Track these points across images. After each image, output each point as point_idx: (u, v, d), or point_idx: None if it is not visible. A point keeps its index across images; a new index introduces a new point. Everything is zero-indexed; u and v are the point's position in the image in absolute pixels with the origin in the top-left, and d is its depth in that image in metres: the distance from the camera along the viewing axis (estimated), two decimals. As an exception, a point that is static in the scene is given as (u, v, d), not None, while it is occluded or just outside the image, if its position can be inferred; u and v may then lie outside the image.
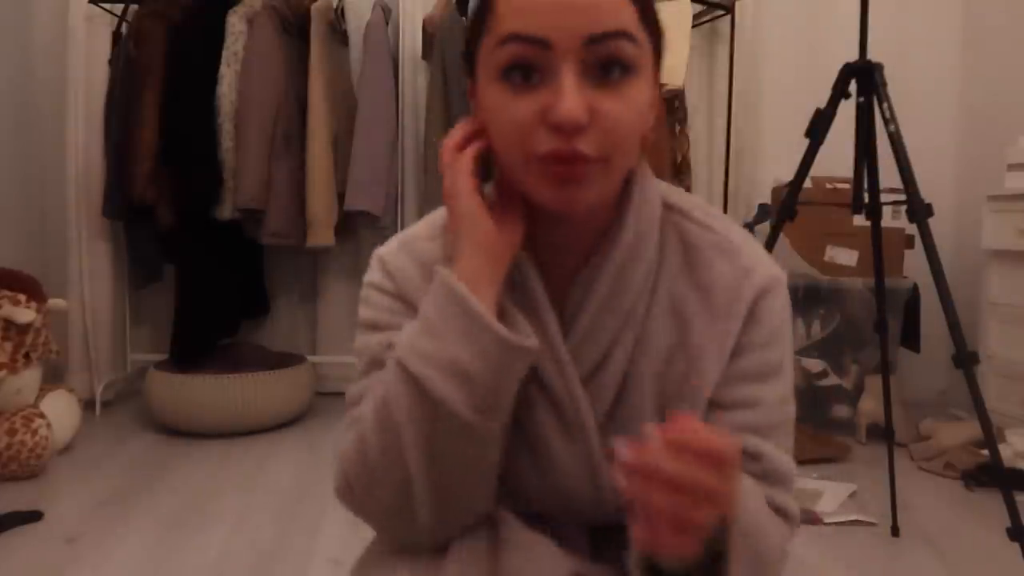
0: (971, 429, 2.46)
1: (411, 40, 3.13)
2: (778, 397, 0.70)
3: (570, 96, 0.58)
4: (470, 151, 0.66)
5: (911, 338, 2.76)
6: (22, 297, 2.34)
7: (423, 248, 0.74)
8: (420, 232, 0.76)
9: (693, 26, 3.01)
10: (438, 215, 0.76)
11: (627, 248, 0.67)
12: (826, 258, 2.80)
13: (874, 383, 2.63)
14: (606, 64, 0.60)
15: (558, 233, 0.69)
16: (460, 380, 0.61)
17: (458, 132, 0.67)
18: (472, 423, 0.62)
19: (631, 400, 0.70)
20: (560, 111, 0.58)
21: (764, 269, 0.70)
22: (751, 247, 0.71)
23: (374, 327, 0.73)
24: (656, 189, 0.71)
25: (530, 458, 0.71)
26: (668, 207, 0.72)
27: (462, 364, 0.61)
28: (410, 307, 0.71)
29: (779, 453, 0.70)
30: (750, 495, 0.64)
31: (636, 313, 0.69)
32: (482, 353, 0.61)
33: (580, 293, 0.69)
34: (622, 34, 0.60)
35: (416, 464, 0.63)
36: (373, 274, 0.75)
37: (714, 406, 0.69)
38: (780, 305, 0.71)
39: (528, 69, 0.60)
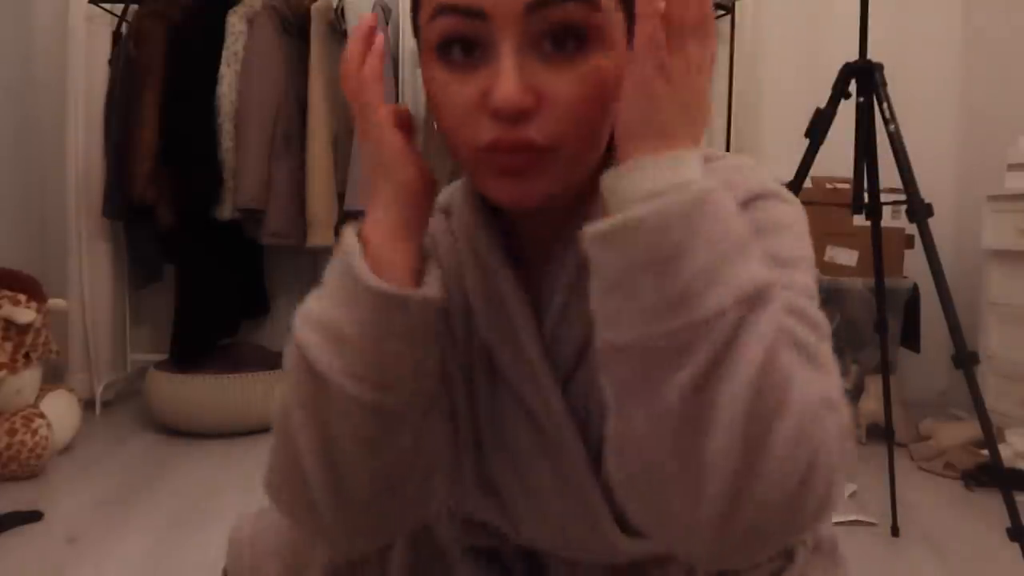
0: (971, 429, 2.46)
1: (411, 40, 3.13)
2: (793, 281, 0.52)
3: (507, 78, 0.49)
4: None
5: (911, 338, 2.76)
6: (22, 297, 2.34)
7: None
8: None
9: (693, 26, 3.00)
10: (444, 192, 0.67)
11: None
12: (826, 258, 2.80)
13: (874, 383, 2.63)
14: (557, 34, 0.50)
15: (528, 223, 0.61)
16: (337, 343, 0.53)
17: (362, 28, 0.57)
18: (357, 396, 0.52)
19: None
20: (496, 96, 0.50)
21: (758, 180, 0.58)
22: (745, 169, 0.59)
23: None
24: None
25: (516, 479, 0.63)
26: None
27: (338, 325, 0.53)
28: None
29: (807, 302, 0.52)
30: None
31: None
32: (357, 310, 0.52)
33: (549, 284, 0.60)
34: None
35: (307, 452, 0.53)
36: None
37: None
38: (783, 207, 0.58)
39: (468, 44, 0.52)
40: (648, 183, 0.46)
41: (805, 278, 0.54)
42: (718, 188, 0.45)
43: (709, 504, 0.43)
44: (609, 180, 0.48)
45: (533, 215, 0.59)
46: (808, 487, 0.44)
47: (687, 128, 0.47)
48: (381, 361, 0.53)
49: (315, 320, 0.54)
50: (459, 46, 0.52)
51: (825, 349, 0.51)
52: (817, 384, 0.47)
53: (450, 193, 0.69)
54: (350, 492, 0.54)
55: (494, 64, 0.51)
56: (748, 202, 0.56)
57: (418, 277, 0.55)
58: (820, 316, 0.52)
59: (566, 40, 0.50)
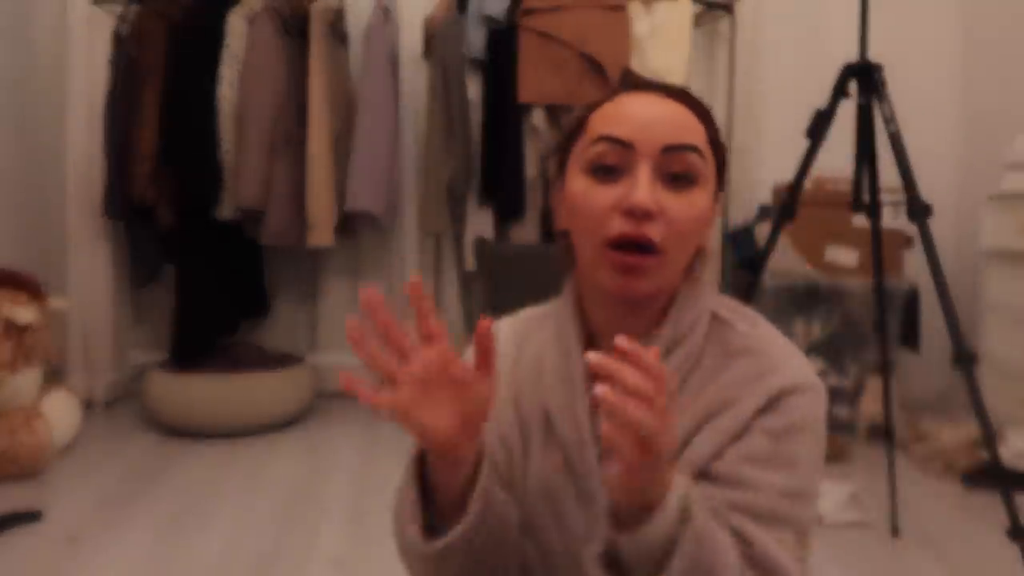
0: (971, 429, 2.46)
1: (411, 40, 3.13)
2: (783, 488, 0.68)
3: (644, 187, 0.68)
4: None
5: (911, 338, 2.76)
6: (22, 297, 2.34)
7: (528, 316, 0.86)
8: (537, 308, 0.87)
9: (693, 26, 3.01)
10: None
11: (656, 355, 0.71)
12: (826, 258, 2.80)
13: (874, 383, 2.63)
14: (676, 172, 0.70)
15: (613, 321, 0.75)
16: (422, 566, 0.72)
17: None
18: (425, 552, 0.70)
19: None
20: (634, 197, 0.68)
21: (793, 372, 0.72)
22: (787, 354, 0.74)
23: None
24: (704, 303, 0.77)
25: (552, 521, 0.76)
26: (717, 320, 0.77)
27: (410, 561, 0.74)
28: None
29: (776, 547, 0.66)
30: (703, 509, 0.64)
31: None
32: (420, 557, 0.71)
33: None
34: (693, 148, 0.70)
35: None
36: None
37: (706, 478, 0.69)
38: (808, 406, 0.71)
39: (611, 168, 0.70)
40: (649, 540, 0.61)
41: (797, 482, 0.69)
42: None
43: None
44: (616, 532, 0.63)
45: (618, 321, 0.74)
46: None
47: (666, 477, 0.61)
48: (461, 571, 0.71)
49: (401, 549, 0.75)
50: (604, 169, 0.71)
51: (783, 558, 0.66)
52: None
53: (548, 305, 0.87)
54: None
55: (630, 180, 0.70)
56: (776, 399, 0.70)
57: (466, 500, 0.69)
58: (791, 545, 0.68)
59: (681, 177, 0.70)
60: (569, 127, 0.77)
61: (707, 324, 0.76)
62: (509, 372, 0.82)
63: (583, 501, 0.74)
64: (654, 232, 0.68)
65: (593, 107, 0.75)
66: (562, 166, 0.78)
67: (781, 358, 0.73)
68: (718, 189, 0.75)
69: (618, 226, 0.69)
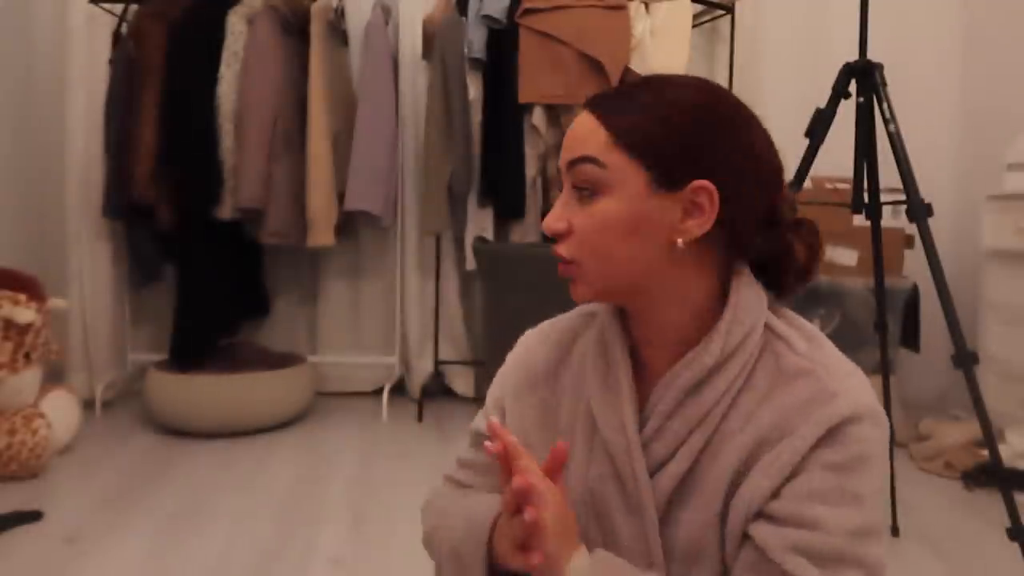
0: (971, 429, 2.46)
1: (411, 40, 3.14)
2: (847, 527, 0.65)
3: (553, 211, 0.73)
4: None
5: (911, 338, 2.76)
6: (22, 297, 2.34)
7: (562, 326, 0.86)
8: (566, 316, 0.87)
9: (693, 26, 3.01)
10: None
11: (704, 369, 0.71)
12: (826, 258, 2.79)
13: (874, 383, 2.62)
14: (579, 186, 0.71)
15: (641, 330, 0.76)
16: None
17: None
18: None
19: (690, 501, 0.71)
20: (544, 222, 0.73)
21: (854, 397, 0.67)
22: (845, 377, 0.69)
23: (490, 403, 0.88)
24: (758, 312, 0.73)
25: (597, 530, 0.76)
26: (772, 333, 0.73)
27: None
28: (530, 378, 0.83)
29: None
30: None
31: (708, 424, 0.71)
32: None
33: (658, 395, 0.73)
34: (584, 159, 0.70)
35: None
36: (513, 351, 0.89)
37: (764, 518, 0.67)
38: (871, 435, 0.67)
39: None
40: None
41: (863, 519, 0.66)
42: None
43: None
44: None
45: (651, 338, 0.75)
46: None
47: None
48: None
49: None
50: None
51: None
52: None
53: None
54: None
55: None
56: (837, 429, 0.66)
57: None
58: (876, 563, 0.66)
59: (584, 190, 0.71)
60: None
61: (761, 337, 0.72)
62: (552, 374, 0.83)
63: (631, 511, 0.73)
64: (561, 248, 0.72)
65: None
66: None
67: (841, 383, 0.68)
68: (662, 184, 0.69)
69: None
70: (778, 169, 0.73)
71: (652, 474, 0.72)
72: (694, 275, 0.72)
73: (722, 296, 0.73)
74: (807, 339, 0.72)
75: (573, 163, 0.71)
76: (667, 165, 0.69)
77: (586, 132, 0.71)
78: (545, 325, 0.88)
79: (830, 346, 0.73)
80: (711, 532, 0.69)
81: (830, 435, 0.66)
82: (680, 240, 0.69)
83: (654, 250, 0.70)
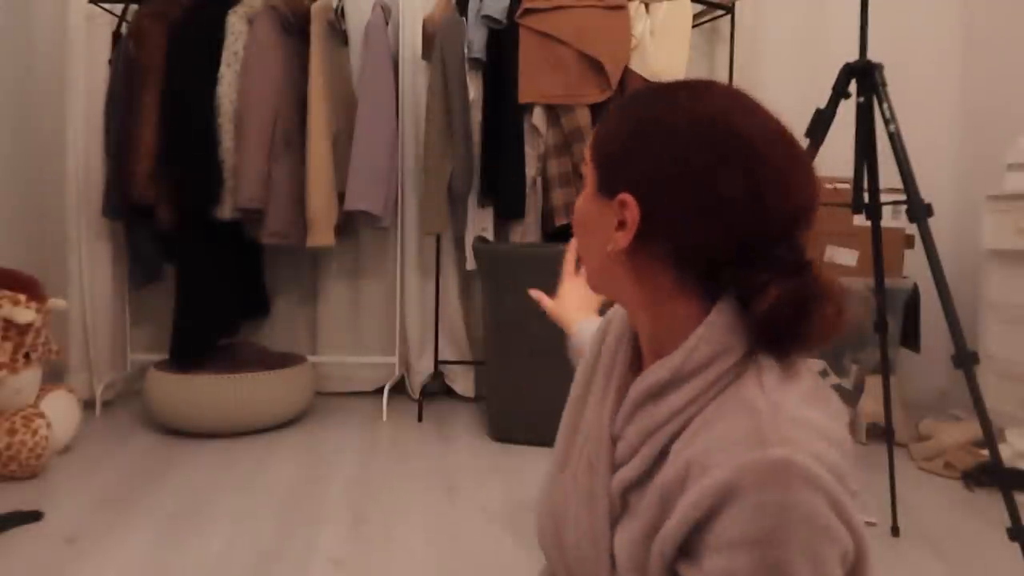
0: (971, 429, 2.46)
1: (411, 40, 3.14)
2: None
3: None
4: None
5: (911, 338, 2.76)
6: (22, 297, 2.34)
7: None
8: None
9: (693, 26, 3.01)
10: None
11: (659, 381, 0.67)
12: (826, 258, 2.80)
13: (874, 383, 2.63)
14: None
15: (636, 330, 0.78)
16: None
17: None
18: None
19: (635, 510, 0.68)
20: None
21: (789, 449, 0.56)
22: (792, 425, 0.58)
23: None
24: (731, 340, 0.65)
25: (573, 512, 0.75)
26: (755, 365, 0.64)
27: None
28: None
29: None
30: None
31: (658, 438, 0.67)
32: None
33: (628, 397, 0.72)
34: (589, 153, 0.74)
35: None
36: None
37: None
38: (796, 501, 0.55)
39: None
40: None
41: None
42: None
43: None
44: None
45: (641, 340, 0.76)
46: None
47: None
48: None
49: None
50: None
51: None
52: None
53: None
54: None
55: None
56: (749, 485, 0.56)
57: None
58: None
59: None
60: None
61: (736, 367, 0.65)
62: (604, 348, 0.85)
63: (591, 501, 0.73)
64: None
65: None
66: None
67: (783, 430, 0.58)
68: (598, 183, 0.71)
69: None
70: (760, 211, 0.64)
71: (615, 469, 0.72)
72: (652, 287, 0.68)
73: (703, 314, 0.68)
74: (784, 376, 0.63)
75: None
76: (604, 170, 0.70)
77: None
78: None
79: (808, 387, 0.64)
80: (638, 549, 0.65)
81: (743, 493, 0.56)
82: (609, 247, 0.69)
83: (601, 252, 0.72)
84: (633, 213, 0.66)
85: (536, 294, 1.21)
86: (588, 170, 0.73)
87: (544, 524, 0.80)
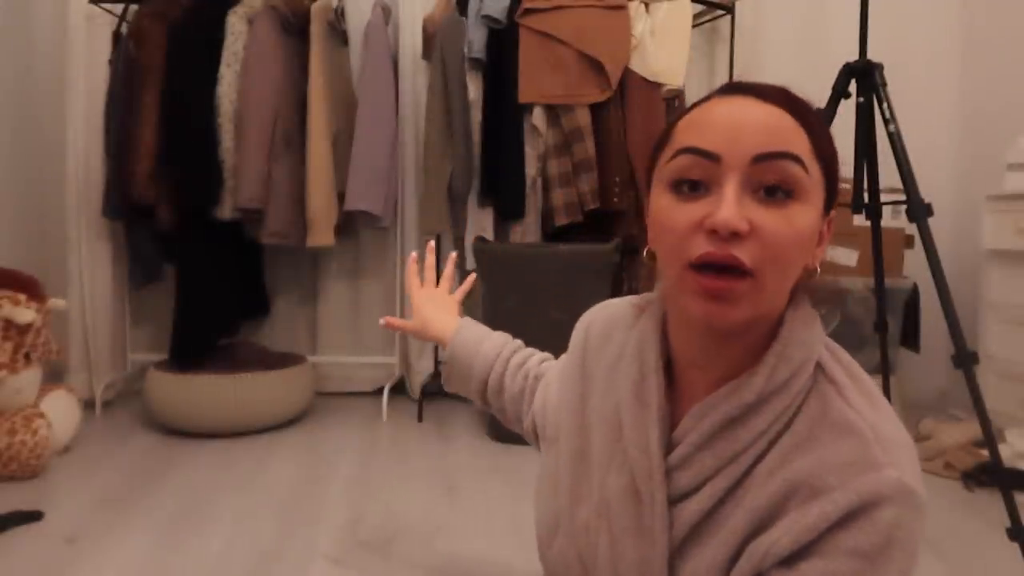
0: (971, 429, 2.46)
1: (411, 40, 3.14)
2: None
3: (729, 204, 0.60)
4: None
5: (911, 338, 2.76)
6: (22, 297, 2.34)
7: (621, 306, 0.82)
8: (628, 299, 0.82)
9: (693, 26, 3.01)
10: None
11: (743, 405, 0.65)
12: (826, 258, 2.80)
13: (874, 383, 2.63)
14: (770, 185, 0.61)
15: (697, 351, 0.69)
16: None
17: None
18: None
19: (704, 539, 0.66)
20: (718, 215, 0.60)
21: (900, 474, 0.59)
22: (896, 449, 0.61)
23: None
24: (812, 348, 0.66)
25: (608, 543, 0.71)
26: (824, 375, 0.67)
27: None
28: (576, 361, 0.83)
29: None
30: None
31: (740, 464, 0.65)
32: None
33: (690, 423, 0.68)
34: (789, 155, 0.61)
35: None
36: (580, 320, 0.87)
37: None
38: (908, 522, 0.59)
39: (696, 182, 0.63)
40: None
41: None
42: None
43: None
44: None
45: (702, 352, 0.68)
46: None
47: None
48: None
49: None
50: (688, 183, 0.63)
51: None
52: None
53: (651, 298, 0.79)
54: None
55: (716, 196, 0.62)
56: (872, 504, 0.59)
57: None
58: None
59: (777, 191, 0.61)
60: (657, 138, 0.71)
61: (810, 377, 0.66)
62: (590, 363, 0.81)
63: (642, 534, 0.68)
64: (743, 253, 0.60)
65: (681, 115, 0.69)
66: (650, 181, 0.70)
67: (891, 454, 0.60)
68: (827, 208, 0.66)
69: (701, 247, 0.61)
70: None
71: (672, 503, 0.67)
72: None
73: (777, 325, 0.67)
74: (864, 393, 0.66)
75: (767, 157, 0.61)
76: (833, 189, 0.67)
77: (779, 125, 0.63)
78: (603, 307, 0.85)
79: (886, 407, 0.66)
80: (718, 574, 0.65)
81: (864, 511, 0.58)
82: (811, 263, 0.66)
83: (795, 273, 0.65)
84: (831, 225, 0.68)
85: (388, 319, 1.17)
86: (809, 181, 0.63)
87: (570, 566, 0.75)
